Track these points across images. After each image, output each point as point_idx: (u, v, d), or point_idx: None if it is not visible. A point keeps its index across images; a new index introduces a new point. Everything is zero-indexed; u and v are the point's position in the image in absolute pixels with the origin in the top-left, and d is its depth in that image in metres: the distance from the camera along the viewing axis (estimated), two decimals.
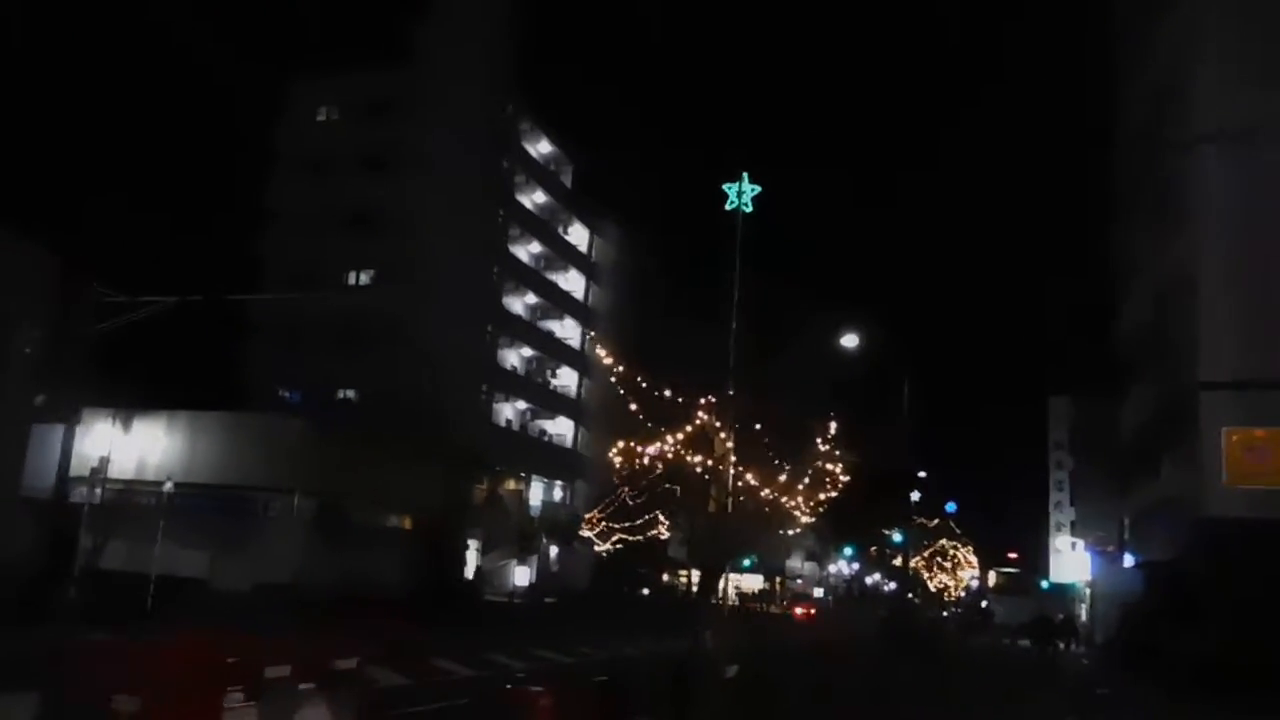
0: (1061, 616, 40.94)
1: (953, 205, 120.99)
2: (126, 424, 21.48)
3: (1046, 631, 31.42)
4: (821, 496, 13.60)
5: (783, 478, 13.49)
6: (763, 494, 13.31)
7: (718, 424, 12.55)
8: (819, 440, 13.57)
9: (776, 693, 10.12)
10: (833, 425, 13.76)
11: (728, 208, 13.44)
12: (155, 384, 24.90)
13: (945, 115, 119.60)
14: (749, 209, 13.41)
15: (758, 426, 13.59)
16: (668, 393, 12.98)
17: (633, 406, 14.08)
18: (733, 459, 12.58)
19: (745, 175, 13.53)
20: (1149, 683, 22.44)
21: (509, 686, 7.26)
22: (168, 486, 19.55)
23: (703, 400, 12.80)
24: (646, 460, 13.90)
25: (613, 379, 13.57)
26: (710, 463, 12.45)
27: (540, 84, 43.72)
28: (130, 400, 22.63)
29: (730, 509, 12.69)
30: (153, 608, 16.78)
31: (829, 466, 13.50)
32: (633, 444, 13.40)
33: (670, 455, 12.67)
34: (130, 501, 20.80)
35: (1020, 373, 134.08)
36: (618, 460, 14.98)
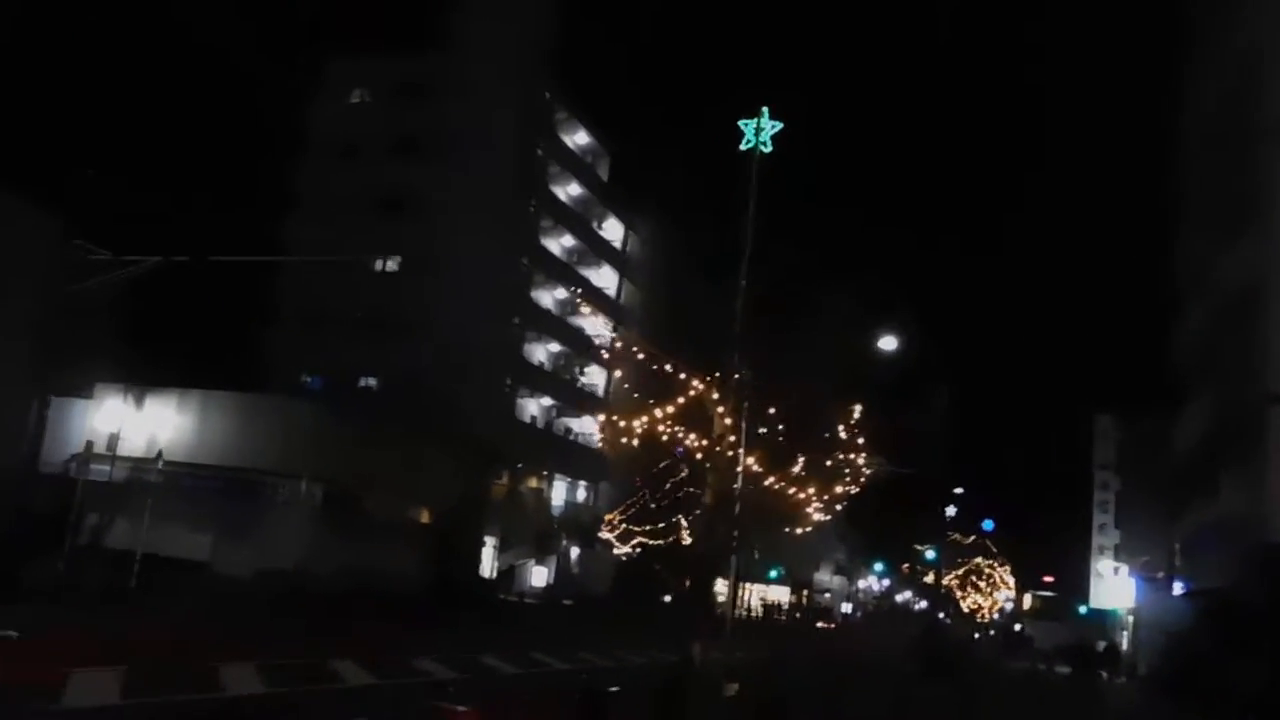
0: (1105, 644, 38.86)
1: (999, 211, 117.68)
2: (139, 401, 21.14)
3: (1087, 659, 29.61)
4: (839, 490, 12.26)
5: (796, 468, 12.17)
6: (767, 482, 12.02)
7: (716, 398, 11.24)
8: (840, 427, 12.23)
9: (779, 716, 8.96)
10: (856, 410, 12.38)
11: (743, 147, 12.24)
12: (172, 362, 24.72)
13: (993, 109, 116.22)
14: (768, 148, 12.20)
15: (771, 411, 12.33)
16: (666, 367, 11.79)
17: (618, 373, 13.10)
18: (732, 439, 11.25)
19: (765, 110, 12.21)
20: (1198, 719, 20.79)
21: (438, 705, 6.36)
22: (159, 463, 19.07)
23: (706, 377, 11.53)
24: (635, 440, 12.80)
25: (604, 353, 12.54)
26: (706, 444, 11.23)
27: (578, 72, 42.99)
28: (145, 377, 22.39)
29: (732, 498, 11.45)
30: (137, 588, 16.28)
31: (850, 457, 12.16)
32: (616, 418, 12.22)
33: (661, 432, 11.41)
34: (137, 479, 20.44)
35: (1065, 388, 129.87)
36: (600, 436, 13.92)
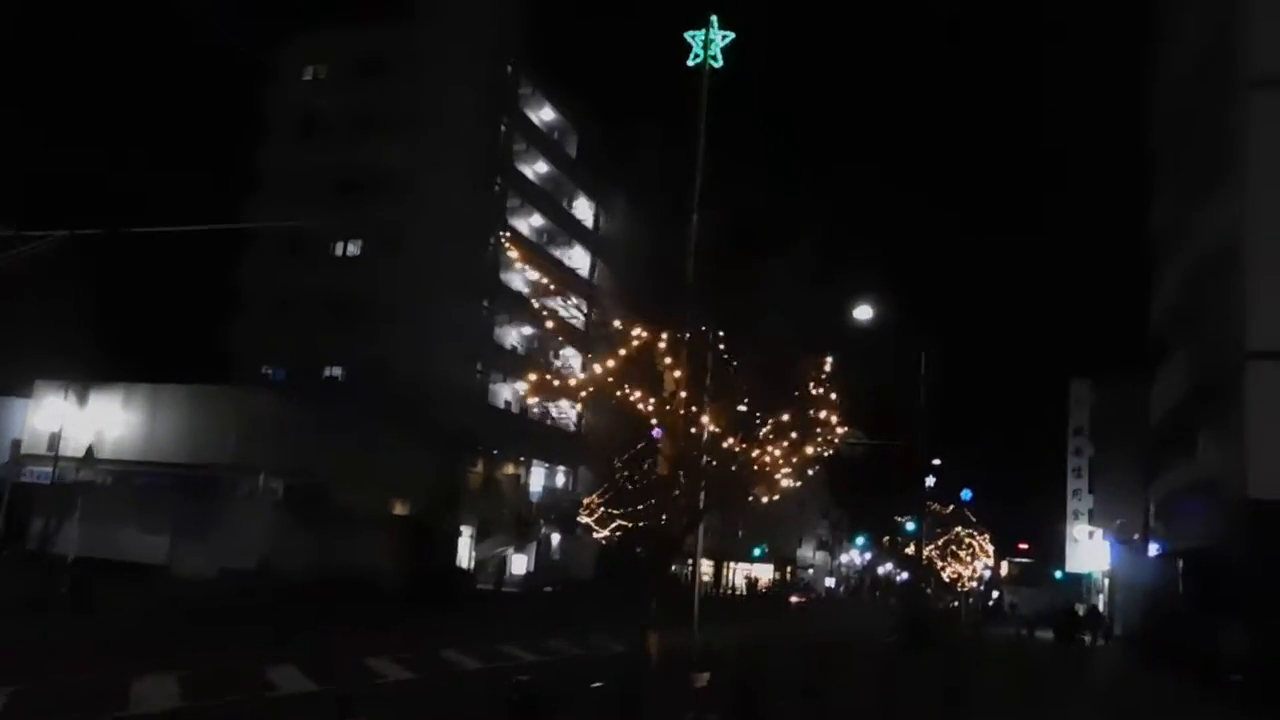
0: (1085, 608, 39.16)
1: (975, 174, 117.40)
2: (82, 397, 20.04)
3: (1069, 624, 29.64)
4: (810, 452, 11.38)
5: (765, 430, 11.28)
6: (726, 444, 11.14)
7: (664, 348, 10.28)
8: (809, 382, 11.33)
9: (752, 710, 8.31)
10: (828, 363, 11.51)
11: (691, 63, 11.36)
12: (121, 355, 23.59)
13: (972, 71, 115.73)
14: (718, 63, 11.34)
15: (732, 363, 11.40)
16: (616, 322, 10.70)
17: (550, 324, 12.04)
18: (684, 394, 10.40)
19: (714, 20, 11.25)
20: (1187, 681, 20.71)
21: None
22: (91, 463, 18.00)
23: (654, 326, 10.50)
24: (574, 400, 11.73)
25: (532, 299, 11.40)
26: (656, 403, 10.30)
27: (544, 44, 41.71)
28: (101, 371, 21.28)
29: (692, 465, 10.66)
30: (72, 595, 15.34)
31: (821, 415, 11.24)
32: (547, 375, 11.22)
33: (603, 390, 10.31)
34: (83, 481, 19.39)
35: (1041, 355, 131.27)
36: (528, 393, 12.71)
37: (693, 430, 10.71)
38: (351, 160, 35.54)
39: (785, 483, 11.69)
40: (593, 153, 47.90)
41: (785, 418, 11.05)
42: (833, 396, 11.30)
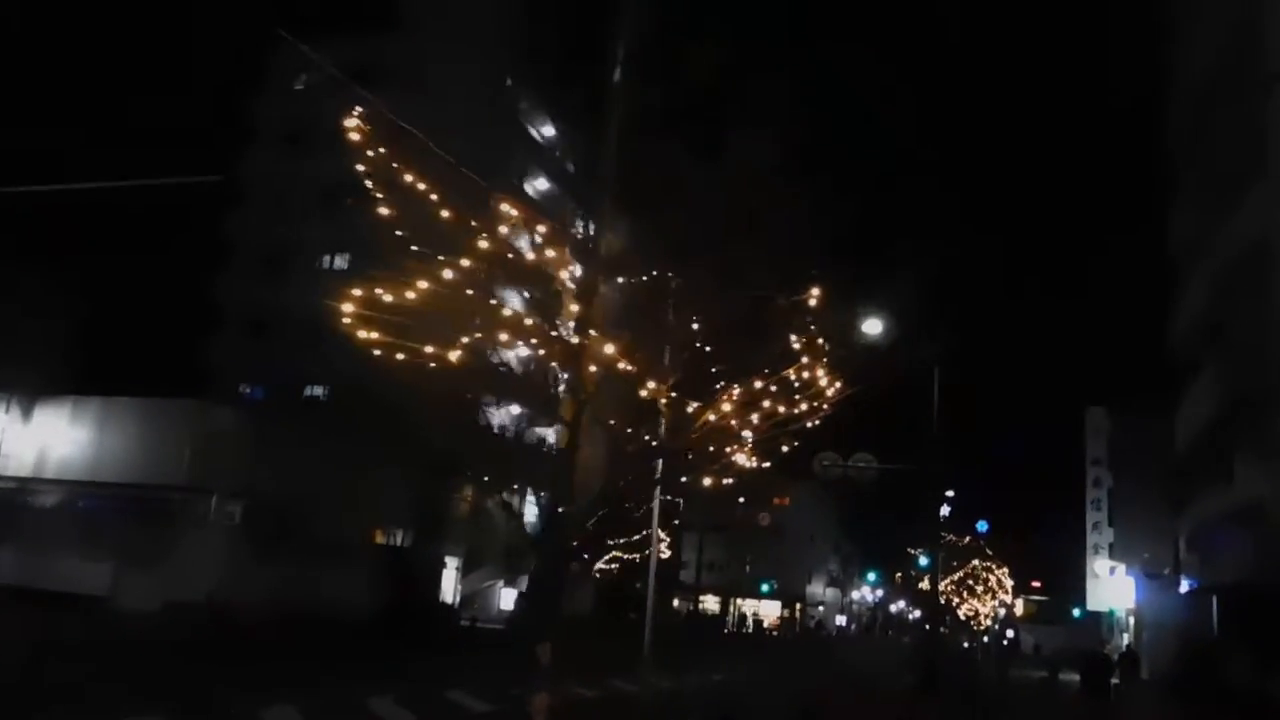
0: (1123, 648, 36.79)
1: (985, 194, 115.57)
2: (26, 410, 18.57)
3: (1102, 667, 27.36)
4: (780, 411, 8.91)
5: (728, 391, 8.95)
6: (661, 401, 8.89)
7: (552, 254, 8.01)
8: (791, 332, 9.08)
9: None
10: (814, 296, 9.20)
11: None
12: (96, 375, 22.24)
13: (974, 75, 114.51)
14: None
15: (669, 283, 9.01)
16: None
17: (383, 210, 9.56)
18: (593, 333, 8.14)
19: None
20: None
21: None
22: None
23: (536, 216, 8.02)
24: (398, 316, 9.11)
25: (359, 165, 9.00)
26: (545, 340, 8.03)
27: (547, 58, 40.59)
28: (49, 386, 19.85)
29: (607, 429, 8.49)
30: None
31: (805, 375, 8.82)
32: (375, 289, 8.96)
33: (451, 303, 7.95)
34: (23, 502, 17.86)
35: (1056, 384, 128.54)
36: (346, 313, 9.99)
37: (592, 367, 8.26)
38: (339, 168, 34.29)
39: (747, 461, 9.33)
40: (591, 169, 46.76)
41: (758, 385, 8.96)
42: (820, 343, 8.91)
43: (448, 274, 7.48)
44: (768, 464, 9.92)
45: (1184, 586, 32.81)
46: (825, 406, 9.34)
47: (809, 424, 9.63)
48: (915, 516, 38.12)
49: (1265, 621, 20.25)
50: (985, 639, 64.07)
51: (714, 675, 21.91)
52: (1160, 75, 30.55)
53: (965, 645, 52.31)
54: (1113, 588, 55.44)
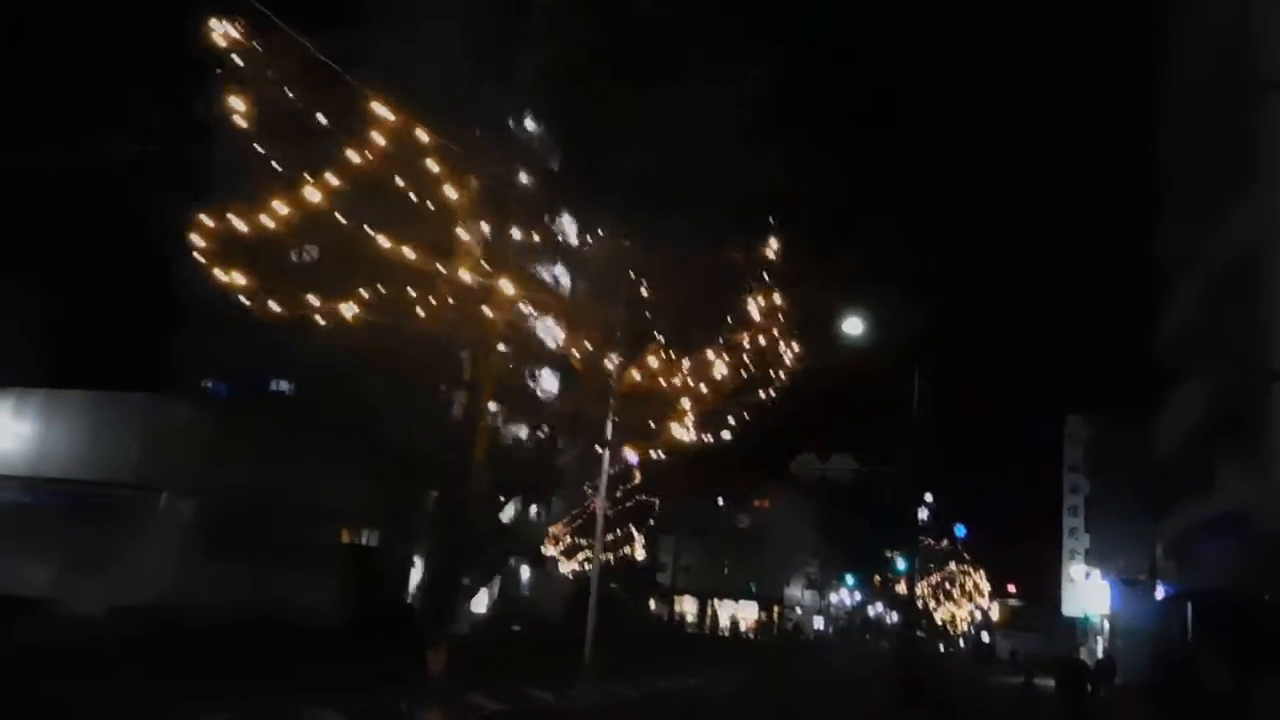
0: (1101, 654, 36.70)
1: (972, 203, 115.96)
2: None
3: (1078, 673, 27.06)
4: (722, 373, 7.89)
5: (668, 351, 8.09)
6: (573, 353, 7.97)
7: (440, 171, 6.78)
8: (746, 295, 8.31)
9: None
10: (772, 246, 8.49)
11: None
12: (52, 366, 21.26)
13: (963, 82, 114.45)
14: None
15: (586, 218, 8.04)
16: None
17: (235, 103, 8.27)
18: (486, 266, 7.02)
19: None
20: None
21: None
22: None
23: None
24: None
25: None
26: (422, 252, 6.70)
27: (524, 51, 39.87)
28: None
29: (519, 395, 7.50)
30: None
31: (763, 340, 8.01)
32: (228, 215, 7.88)
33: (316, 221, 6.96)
34: None
35: (1036, 391, 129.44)
36: (198, 247, 8.69)
37: (487, 310, 7.19)
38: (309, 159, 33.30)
39: (686, 435, 8.48)
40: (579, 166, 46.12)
41: (709, 354, 8.20)
42: (777, 301, 8.12)
43: (312, 195, 6.49)
44: (710, 438, 9.02)
45: (1160, 592, 32.78)
46: (783, 376, 8.60)
47: (763, 394, 8.78)
48: (894, 520, 37.92)
49: (1240, 627, 20.08)
50: (961, 643, 64.09)
51: (688, 680, 21.35)
52: (1148, 83, 30.43)
53: (941, 649, 52.19)
54: (1089, 593, 55.63)
